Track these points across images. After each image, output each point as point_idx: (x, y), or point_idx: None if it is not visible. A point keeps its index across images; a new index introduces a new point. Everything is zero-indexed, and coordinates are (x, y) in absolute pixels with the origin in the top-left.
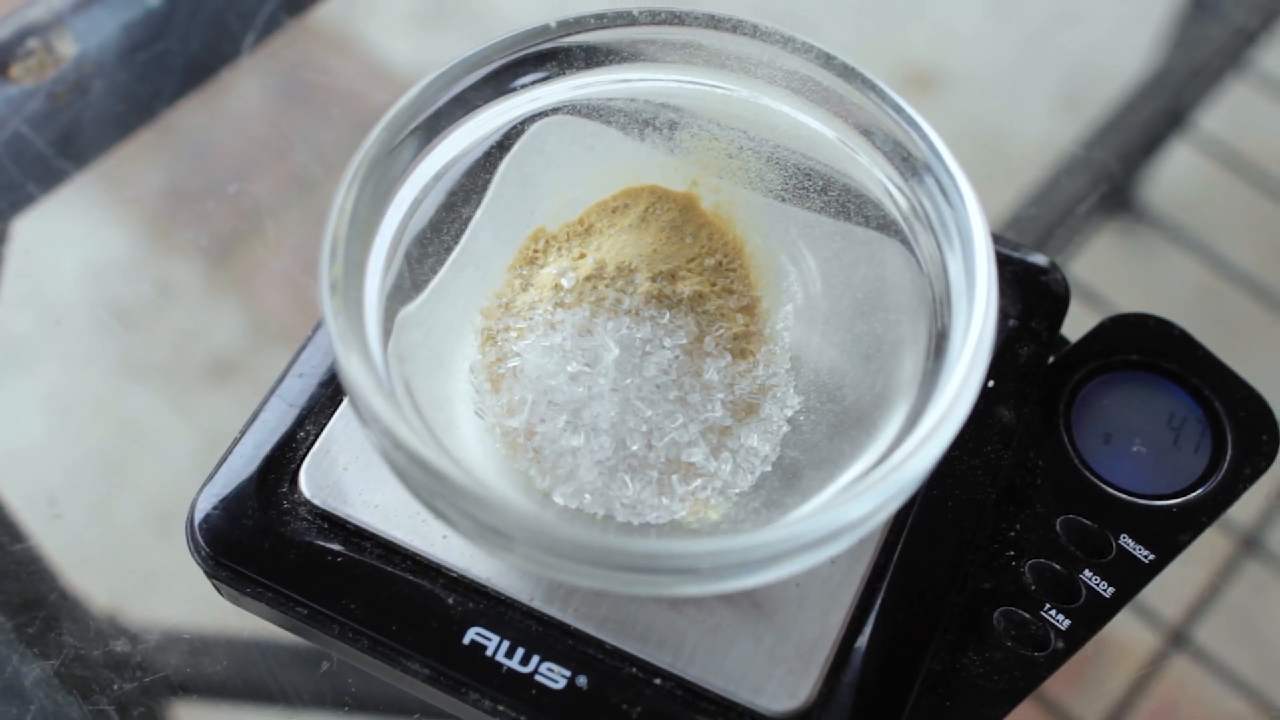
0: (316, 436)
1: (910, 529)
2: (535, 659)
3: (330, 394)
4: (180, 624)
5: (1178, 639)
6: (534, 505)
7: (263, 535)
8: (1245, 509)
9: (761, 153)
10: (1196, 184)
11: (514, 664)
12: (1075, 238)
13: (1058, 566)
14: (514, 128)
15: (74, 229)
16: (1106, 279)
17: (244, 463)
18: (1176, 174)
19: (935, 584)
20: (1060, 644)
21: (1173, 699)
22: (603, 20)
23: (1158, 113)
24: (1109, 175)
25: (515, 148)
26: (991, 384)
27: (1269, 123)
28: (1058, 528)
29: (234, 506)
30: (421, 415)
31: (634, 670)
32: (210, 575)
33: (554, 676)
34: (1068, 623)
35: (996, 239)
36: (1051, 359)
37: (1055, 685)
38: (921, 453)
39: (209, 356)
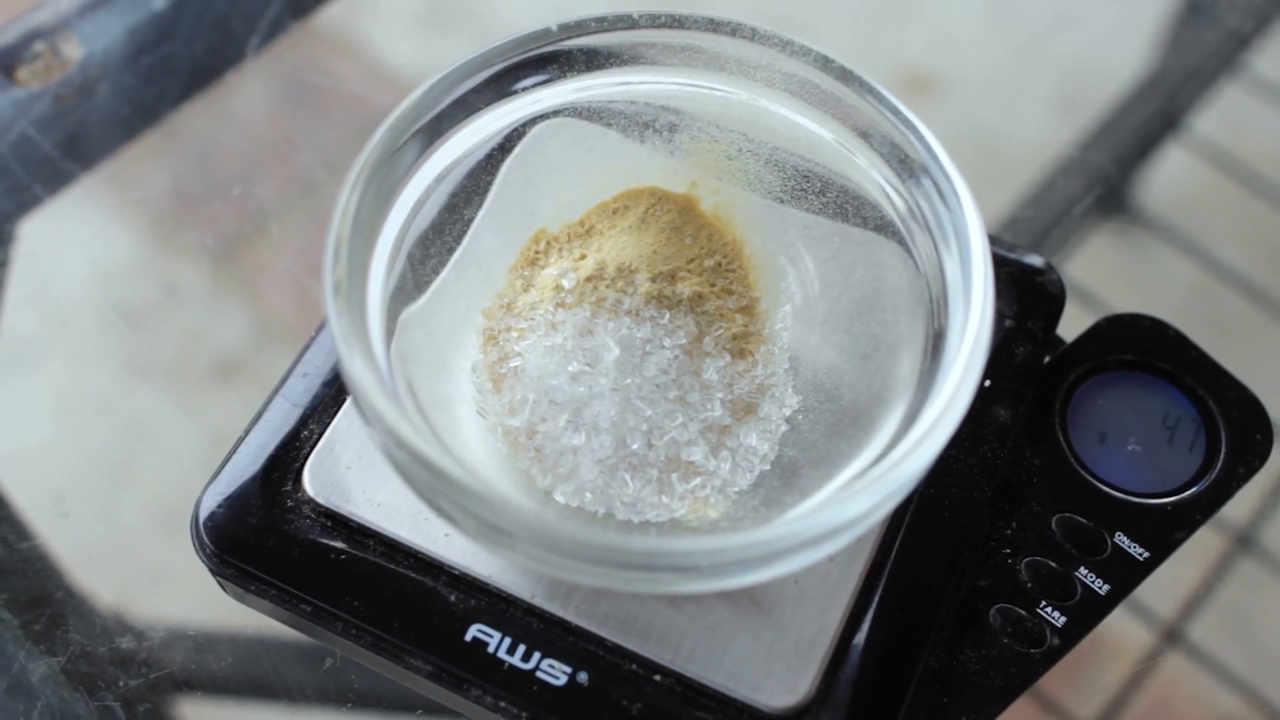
0: (320, 436)
1: (907, 527)
2: (536, 656)
3: (334, 394)
4: (185, 621)
5: (1172, 636)
6: (535, 504)
7: (267, 533)
8: (1239, 507)
9: (760, 155)
10: (1191, 186)
11: (515, 660)
12: (1071, 239)
13: (1053, 564)
14: (515, 130)
15: (80, 230)
16: (1102, 280)
17: (248, 461)
18: (1171, 176)
19: (932, 581)
20: (1056, 641)
21: (1167, 695)
22: (603, 24)
23: (1152, 115)
24: (1104, 177)
25: (517, 150)
26: (988, 384)
27: (1262, 125)
28: (1053, 526)
29: (238, 505)
30: (424, 415)
31: (634, 667)
32: (215, 573)
33: (555, 673)
34: (1063, 620)
35: (993, 240)
36: (1047, 359)
37: (1051, 682)
38: (918, 451)
39: (214, 356)
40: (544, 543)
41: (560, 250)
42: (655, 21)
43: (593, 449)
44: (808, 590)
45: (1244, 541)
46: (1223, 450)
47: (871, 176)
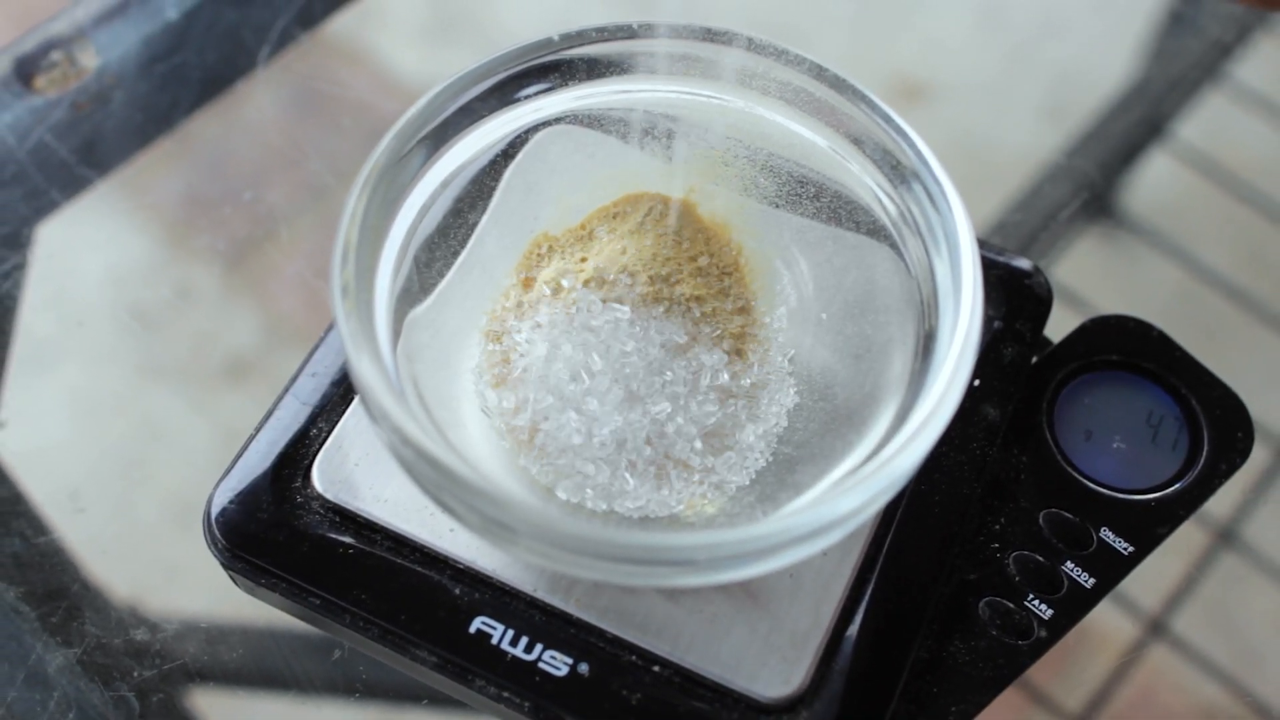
0: (329, 433)
1: (899, 522)
2: (539, 647)
3: (342, 393)
4: (198, 614)
5: (1156, 628)
6: (538, 500)
7: (277, 528)
8: (1221, 503)
9: (756, 161)
10: (1174, 191)
11: (518, 652)
12: (1058, 242)
13: (1040, 558)
14: (518, 137)
15: (96, 234)
16: (1088, 282)
17: (259, 459)
18: (1155, 181)
19: (923, 575)
20: (1043, 633)
21: (1151, 686)
22: (603, 33)
23: (1137, 122)
24: (1090, 182)
25: (519, 156)
26: (977, 383)
27: (1244, 132)
28: (1040, 521)
29: (249, 501)
30: (429, 413)
31: (634, 658)
32: (226, 567)
33: (557, 664)
34: (1050, 612)
35: (982, 244)
36: (1035, 359)
37: (1038, 673)
38: (910, 449)
39: (225, 357)
40: (546, 538)
41: (562, 253)
42: (654, 31)
43: (593, 447)
44: (802, 584)
45: (1226, 536)
46: (1205, 448)
47: (864, 182)
